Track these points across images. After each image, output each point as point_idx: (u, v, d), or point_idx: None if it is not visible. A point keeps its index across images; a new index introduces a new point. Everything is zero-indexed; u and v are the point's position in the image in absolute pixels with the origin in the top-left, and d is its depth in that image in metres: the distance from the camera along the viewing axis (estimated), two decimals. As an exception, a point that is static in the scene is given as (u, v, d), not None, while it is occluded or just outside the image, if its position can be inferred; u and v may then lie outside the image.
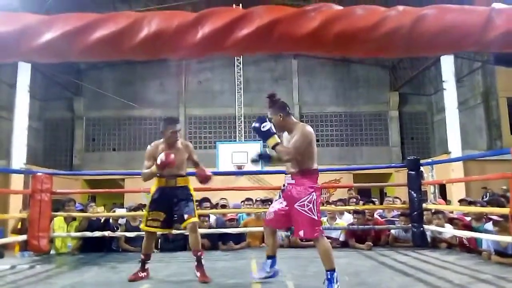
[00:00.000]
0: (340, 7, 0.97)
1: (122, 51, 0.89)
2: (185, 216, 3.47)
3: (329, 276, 2.89)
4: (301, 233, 2.95)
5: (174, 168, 3.55)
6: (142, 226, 3.67)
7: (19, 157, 12.08)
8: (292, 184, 3.03)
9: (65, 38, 0.81)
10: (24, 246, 5.30)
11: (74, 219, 5.54)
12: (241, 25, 0.83)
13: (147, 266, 3.62)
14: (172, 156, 3.40)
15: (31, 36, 0.80)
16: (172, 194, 3.56)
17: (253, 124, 3.02)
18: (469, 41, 0.99)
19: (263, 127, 2.95)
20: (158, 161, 3.39)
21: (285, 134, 3.17)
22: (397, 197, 7.17)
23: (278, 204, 3.15)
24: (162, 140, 3.67)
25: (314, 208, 2.95)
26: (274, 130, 2.98)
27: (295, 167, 3.02)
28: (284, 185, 3.15)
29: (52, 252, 5.35)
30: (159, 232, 3.78)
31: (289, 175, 3.07)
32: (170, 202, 3.55)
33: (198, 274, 3.39)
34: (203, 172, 3.65)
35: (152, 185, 3.68)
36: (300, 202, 2.94)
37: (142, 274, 3.53)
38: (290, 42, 0.86)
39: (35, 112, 14.23)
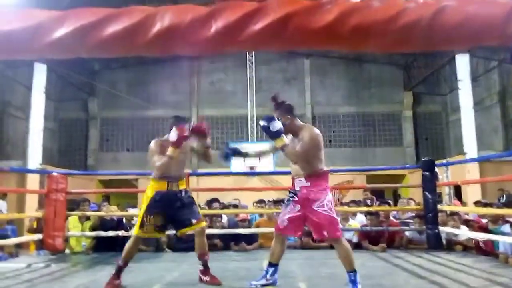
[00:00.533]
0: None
1: (136, 47, 0.88)
2: (194, 221, 3.35)
3: (352, 278, 2.90)
4: (325, 233, 2.92)
5: (178, 169, 3.42)
6: (136, 232, 3.34)
7: (34, 157, 12.26)
8: (307, 187, 2.99)
9: (78, 33, 0.80)
10: (40, 245, 5.38)
11: (88, 218, 5.60)
12: (255, 19, 0.81)
13: (122, 273, 3.31)
14: (186, 129, 3.25)
15: (44, 33, 0.80)
16: (175, 198, 3.38)
17: (261, 123, 2.96)
18: (491, 34, 0.95)
19: (273, 127, 2.90)
20: (174, 138, 3.18)
21: (290, 136, 3.13)
22: (411, 199, 7.07)
23: (290, 211, 3.08)
24: (166, 137, 3.45)
25: (333, 208, 2.97)
26: (283, 130, 2.94)
27: (308, 169, 3.00)
28: (293, 190, 3.10)
29: (67, 251, 5.42)
30: (151, 236, 3.62)
31: (302, 179, 3.02)
32: (172, 207, 3.36)
33: (208, 278, 3.30)
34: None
35: (149, 189, 3.43)
36: (320, 203, 2.93)
37: (117, 282, 3.25)
38: (305, 36, 0.84)
39: (50, 112, 14.43)
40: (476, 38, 0.89)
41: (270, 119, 2.94)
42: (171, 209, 3.35)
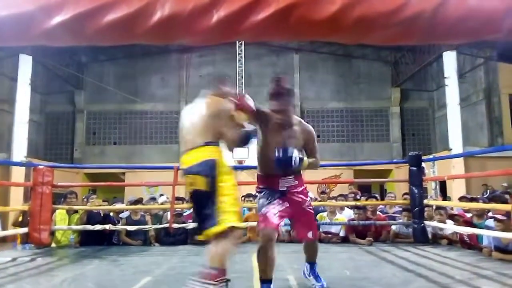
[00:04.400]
0: (361, -9, 0.95)
1: (135, 35, 0.86)
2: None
3: (316, 269, 2.99)
4: (310, 234, 2.85)
5: None
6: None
7: (20, 150, 12.07)
8: (296, 186, 2.79)
9: (77, 21, 0.79)
10: (25, 239, 5.31)
11: (76, 211, 5.55)
12: (257, 9, 0.81)
13: None
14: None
15: (41, 19, 0.78)
16: None
17: (279, 156, 2.58)
18: (492, 27, 0.96)
19: (295, 158, 2.61)
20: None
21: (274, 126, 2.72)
22: (407, 193, 7.07)
23: (279, 206, 2.72)
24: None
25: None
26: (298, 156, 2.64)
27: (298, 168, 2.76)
28: (279, 190, 2.76)
29: (53, 245, 5.36)
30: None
31: (291, 177, 2.75)
32: None
33: None
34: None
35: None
36: (307, 203, 2.85)
37: None
38: (307, 27, 0.84)
39: (36, 105, 14.20)
40: (478, 32, 0.90)
41: (286, 151, 2.60)
42: None
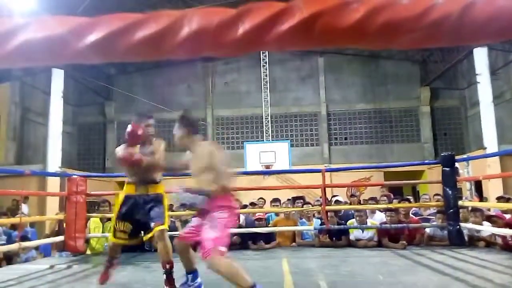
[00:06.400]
0: (384, -4, 0.94)
1: (164, 51, 0.89)
2: (152, 224, 3.16)
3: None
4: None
5: (143, 173, 3.33)
6: (110, 237, 3.39)
7: (54, 160, 12.51)
8: None
9: (109, 39, 0.82)
10: (62, 247, 5.49)
11: (109, 219, 5.69)
12: (281, 19, 0.81)
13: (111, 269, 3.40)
14: (138, 155, 3.25)
15: (77, 38, 0.82)
16: (142, 203, 3.28)
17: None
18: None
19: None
20: (120, 157, 3.26)
21: (188, 152, 3.08)
22: (438, 194, 6.89)
23: None
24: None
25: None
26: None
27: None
28: None
29: (88, 252, 5.51)
30: (126, 243, 3.45)
31: None
32: (138, 212, 3.27)
33: None
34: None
35: (121, 193, 3.46)
36: None
37: (107, 276, 3.37)
38: (332, 35, 0.84)
39: (68, 117, 14.71)
40: (506, 32, 0.87)
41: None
42: (139, 214, 3.26)
